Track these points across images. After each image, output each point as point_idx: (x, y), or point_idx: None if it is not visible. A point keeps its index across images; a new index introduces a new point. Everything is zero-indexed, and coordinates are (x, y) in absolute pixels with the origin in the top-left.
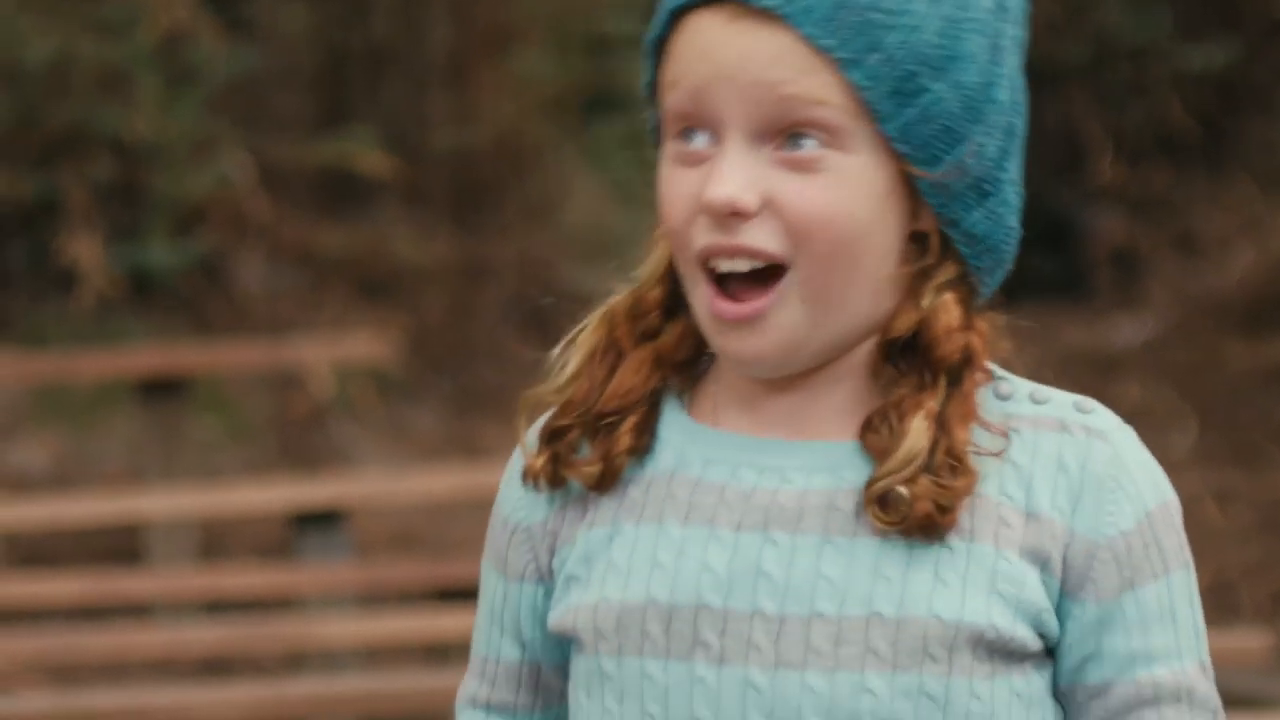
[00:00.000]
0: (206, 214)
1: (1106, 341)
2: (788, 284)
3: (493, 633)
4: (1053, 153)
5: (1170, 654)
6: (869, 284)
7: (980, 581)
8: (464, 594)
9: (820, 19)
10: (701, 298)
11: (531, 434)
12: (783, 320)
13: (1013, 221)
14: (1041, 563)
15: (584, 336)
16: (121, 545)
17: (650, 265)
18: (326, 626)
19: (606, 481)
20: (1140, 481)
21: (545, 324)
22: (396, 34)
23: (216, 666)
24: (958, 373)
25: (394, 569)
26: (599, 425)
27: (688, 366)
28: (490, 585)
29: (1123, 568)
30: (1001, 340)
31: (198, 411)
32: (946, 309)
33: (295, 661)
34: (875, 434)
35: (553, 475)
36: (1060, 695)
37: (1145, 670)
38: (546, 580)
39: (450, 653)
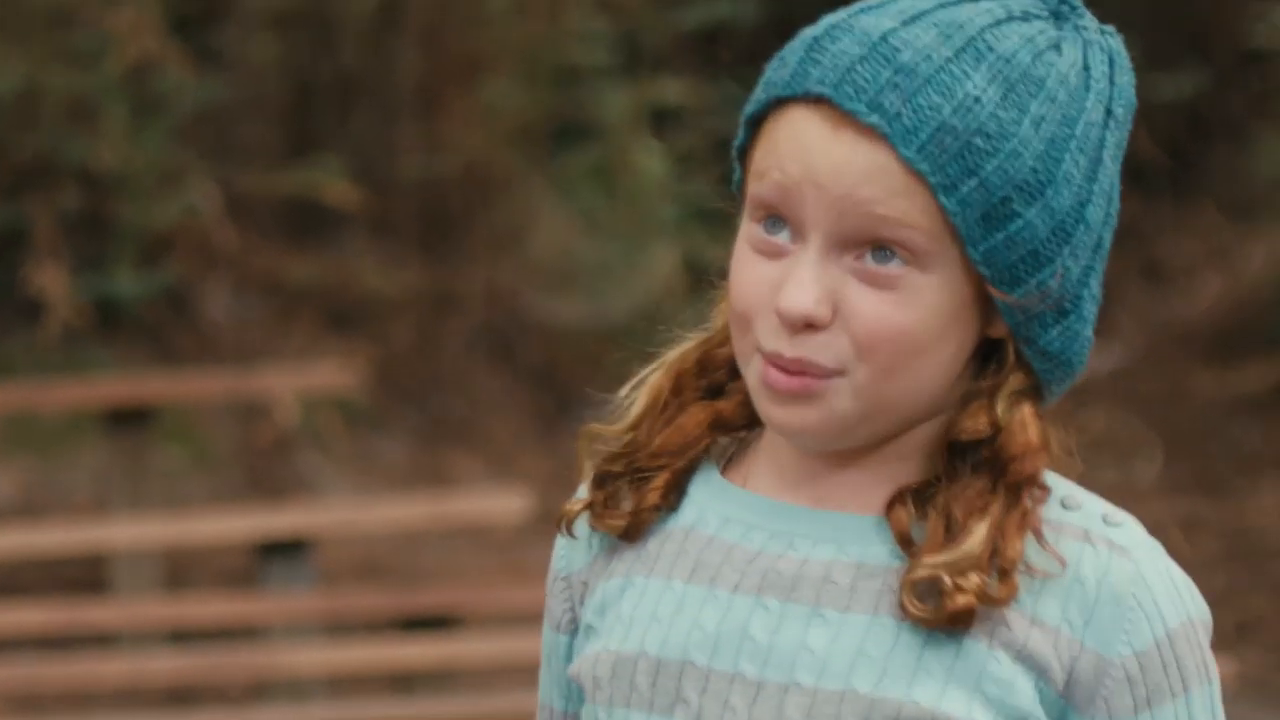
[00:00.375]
0: (173, 244)
1: None
2: (844, 382)
3: (545, 680)
4: None
5: None
6: (925, 390)
7: (965, 678)
8: (430, 623)
9: (922, 144)
10: (753, 371)
11: (588, 473)
12: (833, 407)
13: (1087, 333)
14: (1038, 670)
15: (650, 382)
16: (87, 575)
17: (723, 318)
18: (292, 656)
19: (631, 534)
20: (1162, 600)
21: (513, 353)
22: (364, 64)
23: (182, 696)
24: (1020, 490)
25: (360, 598)
26: (637, 478)
27: (740, 430)
28: (545, 632)
29: (1136, 687)
30: (1071, 451)
31: (164, 441)
32: (1025, 425)
33: (261, 691)
34: (904, 509)
35: (585, 522)
36: None
37: None
38: (578, 628)
39: (416, 682)
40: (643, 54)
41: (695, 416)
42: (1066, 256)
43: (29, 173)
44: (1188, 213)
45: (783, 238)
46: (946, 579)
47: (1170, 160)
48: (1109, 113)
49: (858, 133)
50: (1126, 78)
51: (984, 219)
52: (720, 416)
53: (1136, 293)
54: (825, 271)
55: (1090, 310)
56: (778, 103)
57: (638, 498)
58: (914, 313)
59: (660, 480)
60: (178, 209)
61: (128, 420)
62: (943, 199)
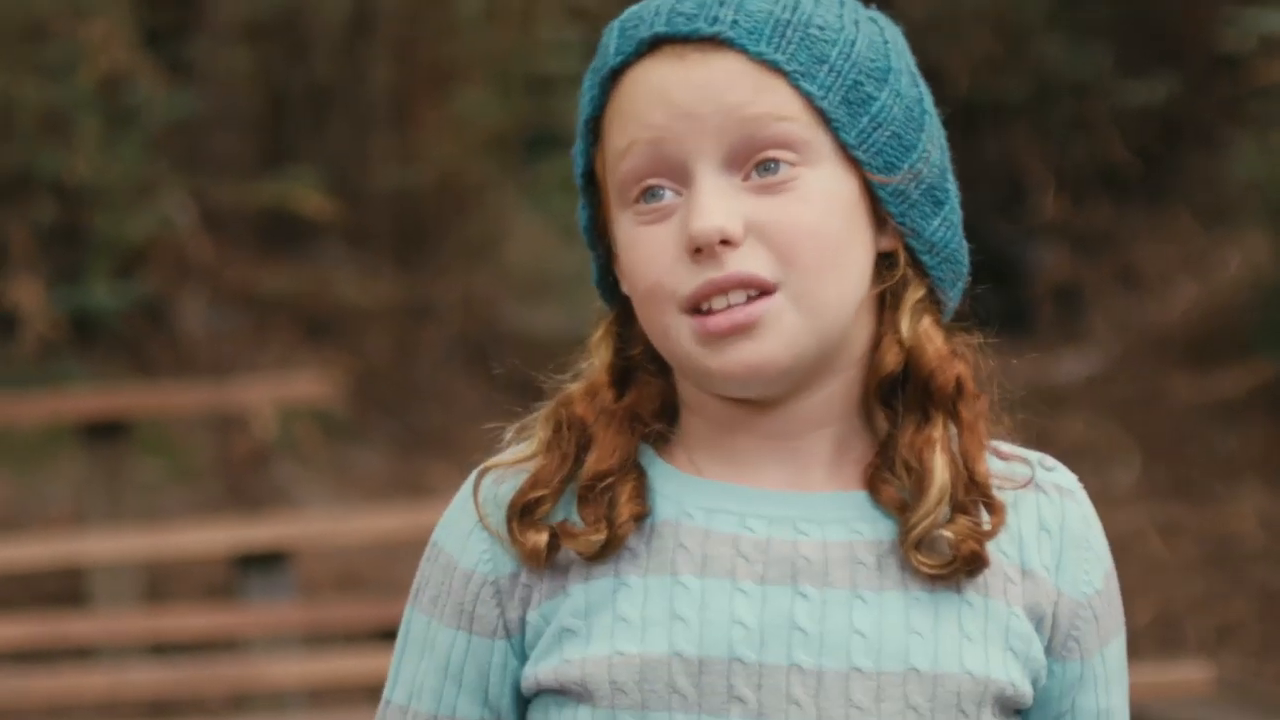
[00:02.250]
0: (148, 256)
1: (1050, 377)
2: (781, 297)
3: (447, 690)
4: (994, 189)
5: (1121, 713)
6: (855, 296)
7: (997, 638)
8: None
9: (768, 38)
10: (685, 335)
11: (489, 505)
12: (783, 326)
13: (962, 235)
14: (1038, 620)
15: (543, 414)
16: (66, 588)
17: (600, 359)
18: (271, 667)
19: (610, 550)
20: (1102, 541)
21: (489, 362)
22: (337, 75)
23: (162, 708)
24: (954, 404)
25: (338, 609)
26: (592, 492)
27: (657, 425)
28: (443, 640)
29: (1101, 624)
30: (980, 353)
31: (141, 453)
32: (930, 336)
33: (240, 702)
34: (887, 484)
35: (556, 548)
36: None
37: None
38: (514, 636)
39: None
40: None
41: (615, 417)
42: (926, 142)
43: (3, 186)
44: (1162, 218)
45: (666, 197)
46: (945, 532)
47: (1144, 166)
48: (897, 40)
49: (704, 52)
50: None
51: (845, 103)
52: (637, 411)
53: (1112, 298)
54: (725, 194)
55: (956, 211)
56: (612, 80)
57: (604, 511)
58: (816, 207)
59: (627, 490)
60: (152, 221)
61: (104, 433)
62: (804, 85)
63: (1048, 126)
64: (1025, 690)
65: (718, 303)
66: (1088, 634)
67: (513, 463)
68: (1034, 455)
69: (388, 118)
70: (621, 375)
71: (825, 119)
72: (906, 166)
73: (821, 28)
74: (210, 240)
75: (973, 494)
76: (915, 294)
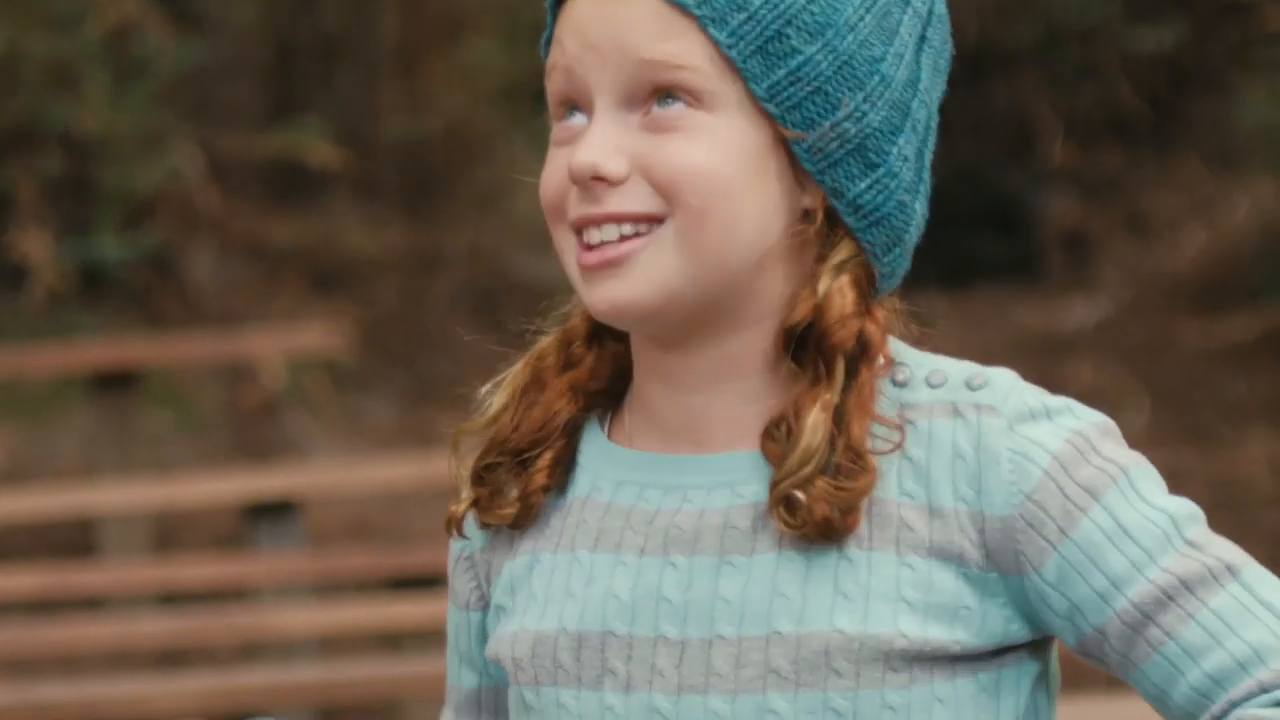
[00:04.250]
0: (156, 208)
1: (1059, 323)
2: (662, 231)
3: (453, 660)
4: (1003, 135)
5: (1137, 566)
6: (750, 246)
7: (883, 591)
8: (419, 583)
9: None
10: (571, 261)
11: (465, 473)
12: (654, 266)
13: (907, 199)
14: (955, 558)
15: (511, 373)
16: (75, 539)
17: (577, 301)
18: (281, 617)
19: (523, 520)
20: (1037, 436)
21: (497, 312)
22: (346, 25)
23: (171, 658)
24: (855, 363)
25: (348, 559)
26: (518, 462)
27: (609, 393)
28: (449, 613)
29: (1043, 526)
30: (905, 324)
31: (150, 405)
32: (841, 293)
33: (250, 652)
34: (774, 441)
35: (476, 520)
36: (1090, 656)
37: (1119, 600)
38: (488, 607)
39: (405, 641)
40: None
41: (555, 390)
42: (861, 100)
43: (11, 138)
44: (1171, 165)
45: (576, 121)
46: (798, 493)
47: (1152, 112)
48: (907, 1)
49: None
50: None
51: (761, 53)
52: (577, 382)
53: (1121, 245)
54: (614, 131)
55: (908, 175)
56: (557, 7)
57: (523, 482)
58: (705, 149)
59: (545, 460)
60: (160, 173)
61: (114, 384)
62: (713, 32)
63: (1056, 73)
64: (930, 638)
65: (592, 236)
66: (1030, 542)
67: (476, 426)
68: (965, 374)
69: (396, 67)
70: (598, 324)
71: (734, 68)
72: (827, 124)
73: None
74: (218, 191)
75: (848, 455)
76: (840, 254)
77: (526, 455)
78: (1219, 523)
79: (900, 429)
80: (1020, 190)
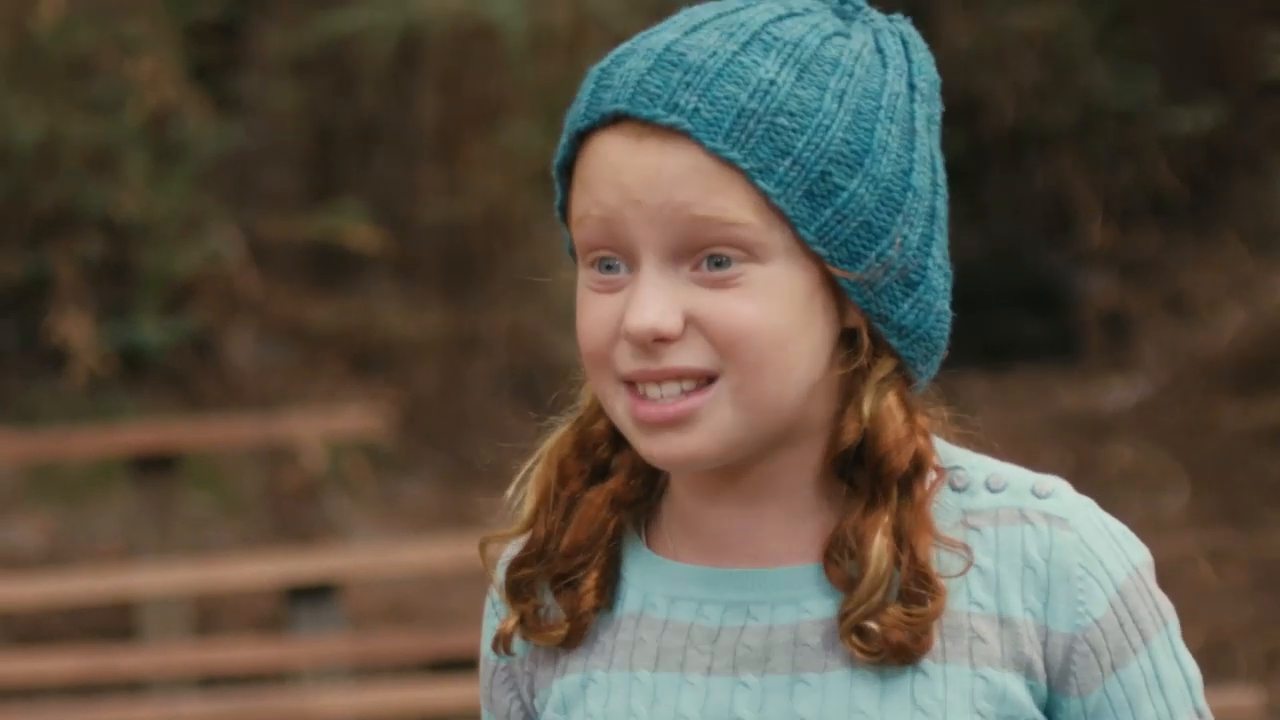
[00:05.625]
0: (196, 290)
1: (1098, 404)
2: (719, 388)
3: None
4: (1042, 216)
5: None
6: (802, 386)
7: (959, 705)
8: (458, 665)
9: (726, 132)
10: (622, 409)
11: (499, 582)
12: (714, 422)
13: (941, 305)
14: (1025, 668)
15: (535, 475)
16: (116, 622)
17: (590, 394)
18: (321, 700)
19: (574, 640)
20: (1107, 561)
21: (537, 394)
22: (384, 108)
23: None
24: (908, 481)
25: (388, 641)
26: (562, 581)
27: (642, 503)
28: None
29: (1100, 655)
30: (949, 427)
31: (190, 487)
32: (891, 415)
33: None
34: (836, 565)
35: (524, 638)
36: None
37: None
38: (533, 716)
39: None
40: None
41: (592, 504)
42: (901, 224)
43: (51, 222)
44: (1210, 245)
45: (616, 271)
46: (871, 624)
47: (1191, 193)
48: (913, 87)
49: (661, 139)
50: (923, 55)
51: (808, 197)
52: (616, 496)
53: (1160, 326)
54: (667, 286)
55: (940, 282)
56: (580, 139)
57: (572, 603)
58: (763, 304)
59: (590, 581)
60: (200, 255)
61: (154, 467)
62: (761, 183)
63: (1095, 154)
64: None
65: (651, 391)
66: (1086, 668)
67: (508, 535)
68: (1029, 481)
69: (434, 150)
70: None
71: (783, 216)
72: (874, 256)
73: (793, 113)
74: (258, 274)
75: (916, 579)
76: (881, 371)
77: (570, 575)
78: (1260, 605)
79: (967, 549)
80: (1059, 271)
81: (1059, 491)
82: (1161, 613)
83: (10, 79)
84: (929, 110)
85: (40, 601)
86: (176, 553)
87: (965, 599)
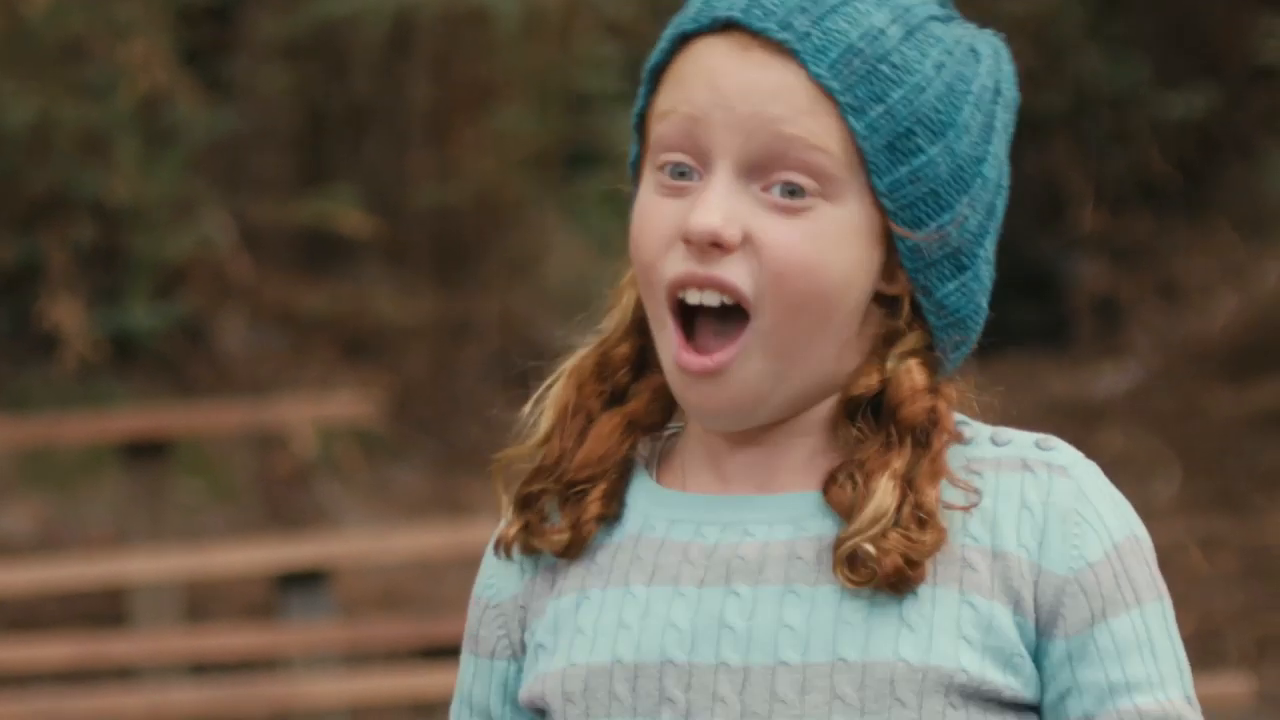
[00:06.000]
0: (188, 275)
1: (1089, 390)
2: (751, 335)
3: (461, 711)
4: (1033, 202)
5: (1152, 684)
6: (834, 341)
7: (946, 625)
8: (450, 652)
9: (832, 62)
10: (668, 346)
11: (508, 497)
12: (745, 374)
13: (982, 300)
14: (1014, 601)
15: (553, 394)
16: (107, 608)
17: (616, 317)
18: (312, 686)
19: (574, 549)
20: (1106, 514)
21: (529, 381)
22: (376, 93)
23: None
24: (925, 434)
25: (379, 628)
26: (569, 493)
27: (657, 430)
28: (463, 664)
29: (1092, 599)
30: (975, 396)
31: (181, 473)
32: (910, 372)
33: None
34: (839, 489)
35: (525, 545)
36: None
37: (1127, 700)
38: (519, 657)
39: (436, 711)
40: None
41: (608, 424)
42: (965, 205)
43: (42, 207)
44: (1201, 231)
45: (686, 175)
46: (868, 546)
47: (1183, 178)
48: (998, 89)
49: (767, 52)
50: (1010, 69)
51: (889, 148)
52: (633, 419)
53: (1152, 311)
54: (733, 197)
55: (986, 276)
56: (683, 40)
57: (575, 512)
58: (823, 244)
59: (598, 491)
60: (191, 240)
61: (145, 453)
62: (851, 120)
63: (1086, 139)
64: (987, 677)
65: (691, 296)
66: (1075, 609)
67: (522, 451)
68: (1032, 437)
69: (426, 135)
70: (639, 348)
71: (863, 158)
72: (934, 226)
73: (895, 65)
74: (249, 259)
75: (917, 514)
76: (909, 343)
77: (577, 489)
78: (1251, 591)
79: (976, 491)
80: (1051, 257)
81: (1062, 447)
82: (1159, 588)
83: (1, 63)
84: (1007, 118)
85: (31, 588)
86: (168, 539)
87: (961, 533)
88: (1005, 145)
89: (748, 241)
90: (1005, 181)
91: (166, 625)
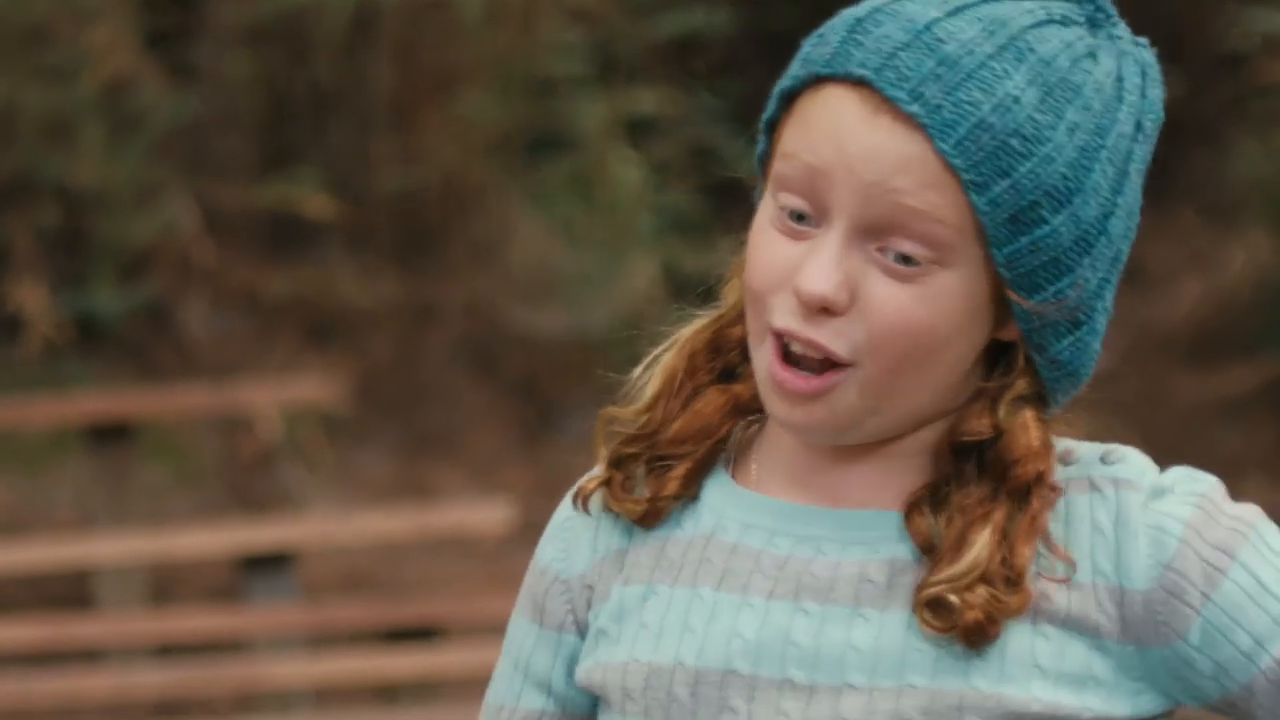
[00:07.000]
0: (152, 259)
1: None
2: (849, 376)
3: (514, 679)
4: None
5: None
6: (939, 386)
7: (1019, 656)
8: (414, 634)
9: (959, 139)
10: (763, 359)
11: (603, 452)
12: (839, 405)
13: (1097, 345)
14: (1091, 632)
15: (664, 361)
16: (72, 591)
17: (735, 295)
18: (276, 668)
19: (649, 520)
20: (1170, 506)
21: (493, 364)
22: (339, 77)
23: (168, 709)
24: (1027, 491)
25: (343, 611)
26: (656, 464)
27: (759, 414)
28: (520, 632)
29: (1187, 594)
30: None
31: (146, 456)
32: (1027, 429)
33: (246, 703)
34: (922, 517)
35: (604, 502)
36: (1235, 712)
37: (1266, 657)
38: (583, 634)
39: (400, 693)
40: (617, 64)
41: (713, 402)
42: (1086, 267)
43: (6, 190)
44: (1166, 217)
45: (804, 220)
46: (953, 597)
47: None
48: (1139, 126)
49: (895, 120)
50: (1157, 91)
51: (1011, 221)
52: (738, 401)
53: (1117, 297)
54: (847, 258)
55: (1102, 322)
56: (815, 81)
57: (657, 484)
58: (932, 309)
59: (681, 469)
60: (156, 225)
61: (109, 436)
62: (974, 197)
63: None
64: (1061, 704)
65: (795, 347)
66: (1174, 610)
67: (627, 412)
68: (1098, 451)
69: (390, 120)
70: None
71: (982, 229)
72: (1052, 291)
73: (1025, 138)
74: (213, 243)
75: (1007, 573)
76: (1021, 388)
77: (667, 459)
78: None
79: (1072, 563)
80: None
81: (1128, 456)
82: (1245, 520)
83: None
84: (1145, 150)
85: None
86: (132, 522)
87: (1032, 565)
88: (1139, 182)
89: (856, 303)
90: (1135, 223)
91: (131, 607)
